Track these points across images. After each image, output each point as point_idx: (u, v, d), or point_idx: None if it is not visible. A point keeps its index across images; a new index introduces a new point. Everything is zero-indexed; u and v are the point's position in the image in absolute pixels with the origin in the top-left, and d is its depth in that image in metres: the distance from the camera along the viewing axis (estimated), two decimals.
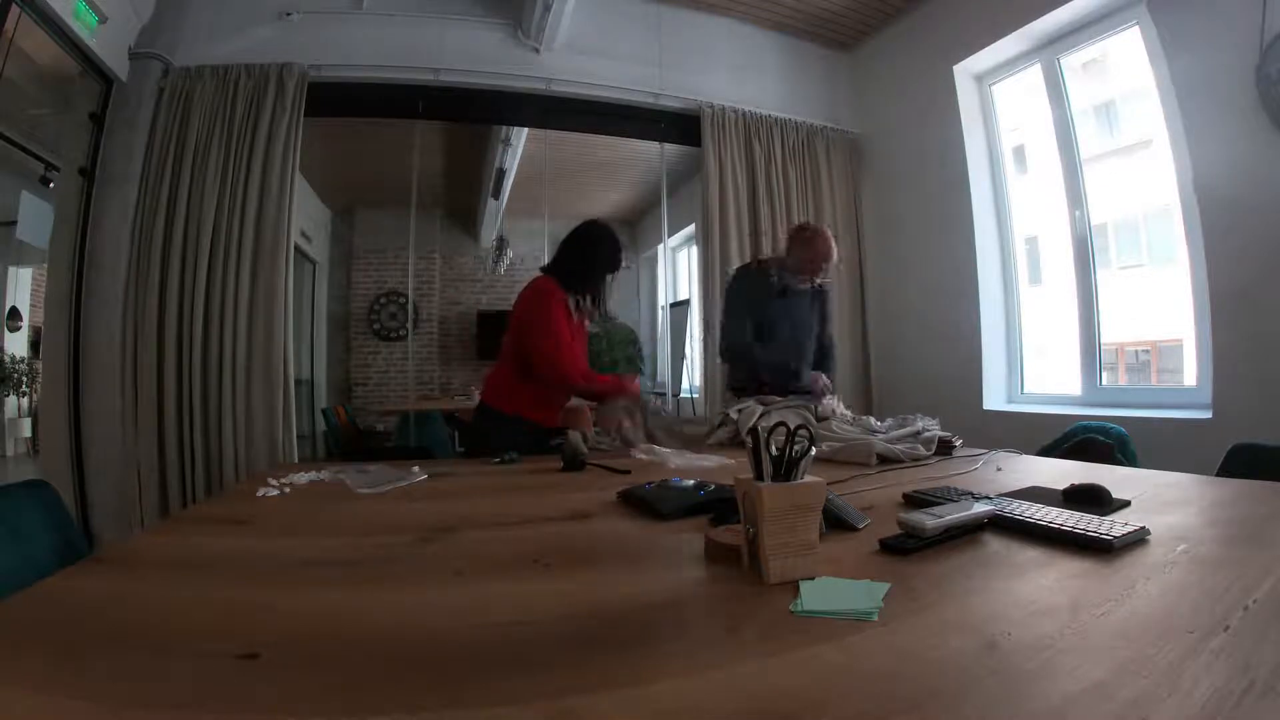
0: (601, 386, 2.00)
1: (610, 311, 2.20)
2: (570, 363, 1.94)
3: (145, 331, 2.87)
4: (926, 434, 1.73)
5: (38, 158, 3.32)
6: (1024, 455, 1.71)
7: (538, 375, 1.95)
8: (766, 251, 3.66)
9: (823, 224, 2.42)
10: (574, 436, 1.67)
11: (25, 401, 4.06)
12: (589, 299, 2.06)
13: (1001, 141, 3.49)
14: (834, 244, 2.31)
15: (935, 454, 1.65)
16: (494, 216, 5.77)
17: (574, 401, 2.22)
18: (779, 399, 2.13)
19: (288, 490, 1.33)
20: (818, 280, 2.33)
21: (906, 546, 0.82)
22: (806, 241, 2.31)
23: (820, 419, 1.96)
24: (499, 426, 1.97)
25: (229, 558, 0.91)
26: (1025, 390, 3.40)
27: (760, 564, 0.73)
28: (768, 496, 0.72)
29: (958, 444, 1.74)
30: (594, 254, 2.05)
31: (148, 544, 1.03)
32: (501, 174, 4.73)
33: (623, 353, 4.44)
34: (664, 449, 1.77)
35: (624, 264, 2.13)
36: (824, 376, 2.31)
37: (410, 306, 5.68)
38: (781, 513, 0.72)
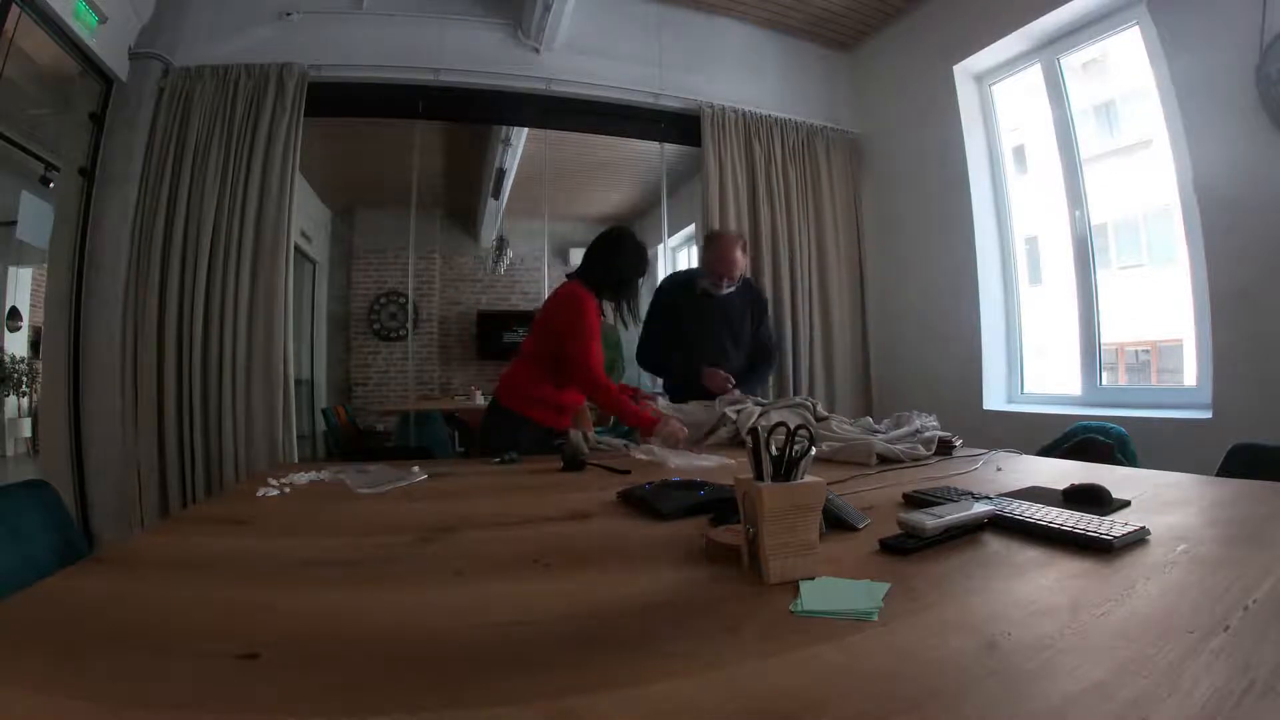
0: (632, 416, 1.95)
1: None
2: (603, 376, 1.97)
3: (145, 331, 2.86)
4: (926, 434, 1.73)
5: (38, 158, 3.32)
6: (1024, 455, 1.71)
7: (572, 382, 1.99)
8: (766, 252, 3.69)
9: (729, 229, 2.54)
10: (575, 436, 1.67)
11: (25, 401, 4.06)
12: (624, 305, 2.11)
13: (1001, 141, 3.49)
14: (736, 248, 2.39)
15: (935, 454, 1.65)
16: (494, 216, 5.77)
17: None
18: (699, 401, 2.19)
19: (288, 490, 1.34)
20: (724, 284, 2.39)
21: (906, 546, 0.82)
22: (708, 246, 2.44)
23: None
24: (511, 426, 1.98)
25: (229, 558, 0.91)
26: (1025, 390, 3.40)
27: (760, 564, 0.73)
28: (768, 496, 0.72)
29: (958, 444, 1.74)
30: (622, 260, 2.08)
31: (148, 544, 1.03)
32: (501, 174, 4.73)
33: (615, 354, 4.45)
34: (663, 449, 1.77)
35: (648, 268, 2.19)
36: (720, 372, 2.31)
37: (410, 306, 5.68)
38: (781, 513, 0.72)
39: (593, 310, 1.99)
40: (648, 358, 2.56)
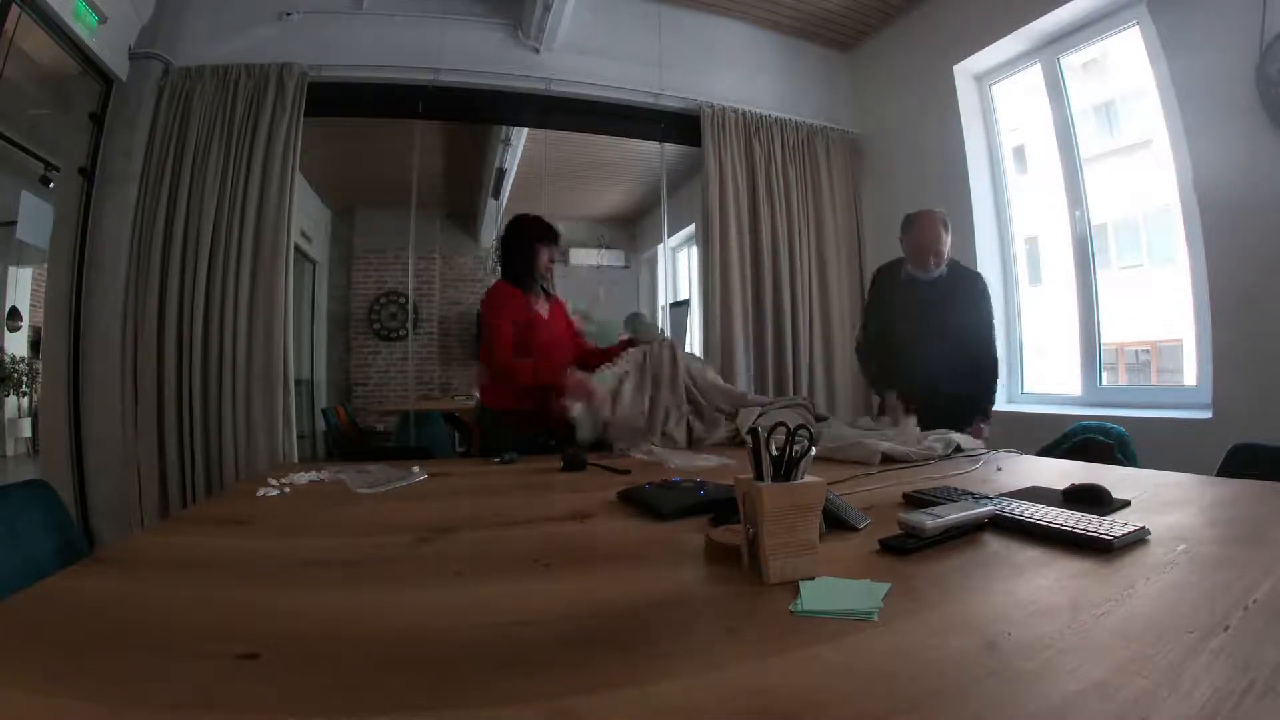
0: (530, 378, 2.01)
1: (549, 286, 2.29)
2: (500, 357, 2.01)
3: (145, 331, 2.86)
4: (950, 435, 1.73)
5: (38, 158, 3.33)
6: (1024, 455, 1.71)
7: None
8: (766, 252, 3.69)
9: (928, 207, 2.25)
10: (579, 411, 1.68)
11: (25, 401, 4.06)
12: (537, 283, 2.18)
13: (1001, 141, 3.49)
14: (938, 223, 2.18)
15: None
16: (494, 216, 5.76)
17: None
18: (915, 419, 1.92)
19: (288, 490, 1.33)
20: (931, 266, 2.20)
21: (906, 546, 0.82)
22: (906, 228, 2.26)
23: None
24: (491, 419, 2.07)
25: (229, 558, 0.91)
26: (1025, 390, 3.40)
27: (760, 564, 0.73)
28: (768, 496, 0.72)
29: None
30: (515, 241, 2.19)
31: (148, 544, 1.03)
32: (501, 174, 4.73)
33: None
34: (663, 449, 1.77)
35: (555, 233, 2.25)
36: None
37: (410, 306, 5.68)
38: (781, 513, 0.72)
39: (499, 299, 2.08)
40: (869, 366, 2.37)
